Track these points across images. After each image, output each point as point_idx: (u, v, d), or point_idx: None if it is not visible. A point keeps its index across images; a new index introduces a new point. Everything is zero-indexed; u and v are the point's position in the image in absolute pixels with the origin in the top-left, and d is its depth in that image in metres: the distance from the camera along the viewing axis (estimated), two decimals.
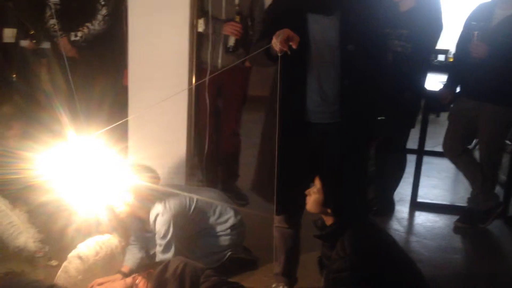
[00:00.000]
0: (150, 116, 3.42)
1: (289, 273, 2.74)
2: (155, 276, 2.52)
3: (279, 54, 2.13)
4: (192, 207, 2.87)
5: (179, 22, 3.33)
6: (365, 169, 2.60)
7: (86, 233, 2.91)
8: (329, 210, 2.24)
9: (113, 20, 4.08)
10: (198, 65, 3.56)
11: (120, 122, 2.54)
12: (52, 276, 2.59)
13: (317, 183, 2.25)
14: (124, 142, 3.51)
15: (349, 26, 2.29)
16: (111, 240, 2.72)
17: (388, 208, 3.92)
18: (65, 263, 2.56)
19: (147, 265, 2.71)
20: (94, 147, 2.32)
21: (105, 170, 2.44)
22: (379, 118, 2.68)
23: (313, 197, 2.26)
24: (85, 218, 2.85)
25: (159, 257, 2.76)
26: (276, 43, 2.10)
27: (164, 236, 2.74)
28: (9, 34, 4.39)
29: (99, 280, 2.76)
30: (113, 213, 2.82)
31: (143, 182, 2.74)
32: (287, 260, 2.70)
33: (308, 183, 2.34)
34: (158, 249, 2.76)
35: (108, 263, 2.80)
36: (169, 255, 2.73)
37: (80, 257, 2.56)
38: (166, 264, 2.54)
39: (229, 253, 2.93)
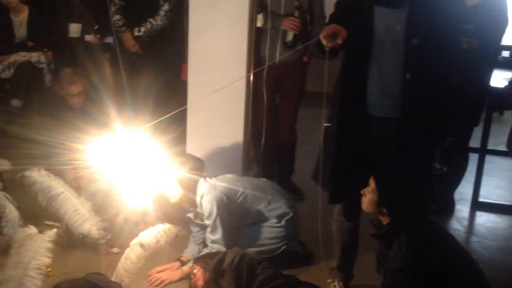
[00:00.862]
0: (207, 110, 3.49)
1: (345, 268, 2.73)
2: (212, 266, 2.56)
3: (326, 49, 2.19)
4: (240, 193, 2.90)
5: (238, 17, 3.36)
6: (426, 168, 2.53)
7: (133, 223, 3.03)
8: (384, 210, 2.22)
9: (175, 15, 4.17)
10: (256, 60, 3.59)
11: (177, 111, 2.61)
12: (114, 263, 2.67)
13: (372, 183, 2.23)
14: (183, 138, 3.60)
15: (415, 19, 2.25)
16: (171, 229, 2.78)
17: (448, 207, 3.83)
18: (127, 250, 2.63)
19: (205, 255, 2.75)
20: (145, 139, 2.39)
21: (154, 161, 2.53)
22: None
23: (368, 197, 2.24)
24: (133, 208, 2.94)
25: (208, 237, 2.82)
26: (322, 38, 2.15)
27: (209, 216, 2.79)
28: (75, 29, 4.58)
29: (158, 268, 2.86)
30: (160, 203, 2.90)
31: (188, 171, 2.83)
32: (343, 255, 2.68)
33: (366, 176, 2.32)
34: (207, 229, 2.81)
35: (168, 252, 2.88)
36: (217, 236, 2.78)
37: (141, 245, 2.63)
38: (223, 254, 2.58)
39: (284, 246, 2.94)
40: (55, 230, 2.47)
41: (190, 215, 3.01)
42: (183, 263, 2.89)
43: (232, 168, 3.43)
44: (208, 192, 2.83)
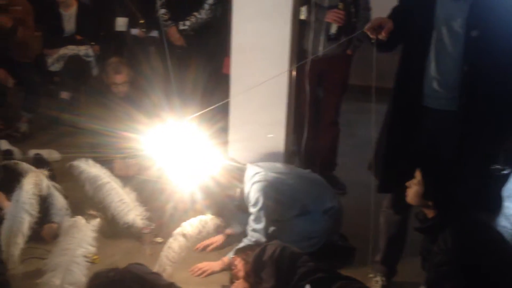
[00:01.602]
0: (250, 104, 3.49)
1: (389, 263, 2.69)
2: (253, 258, 2.58)
3: (372, 42, 2.21)
4: (288, 185, 2.91)
5: (281, 9, 3.34)
6: (483, 165, 2.40)
7: (182, 211, 3.08)
8: (430, 203, 2.18)
9: (219, 9, 4.19)
10: (299, 53, 3.57)
11: (220, 103, 2.64)
12: (158, 252, 2.73)
13: (418, 174, 2.19)
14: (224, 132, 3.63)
15: (477, 11, 2.20)
16: (213, 220, 2.83)
17: (496, 203, 3.72)
18: (170, 240, 2.69)
19: (247, 247, 2.77)
20: (191, 129, 2.43)
21: (201, 150, 2.56)
22: None
23: (413, 189, 2.21)
24: (181, 196, 2.99)
25: (250, 225, 2.83)
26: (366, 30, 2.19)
27: (255, 205, 2.80)
28: (121, 23, 4.67)
29: (202, 265, 2.87)
30: (207, 191, 2.92)
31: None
32: (388, 248, 2.65)
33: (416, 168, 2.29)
34: (251, 217, 2.83)
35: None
36: (260, 226, 2.80)
37: (184, 235, 2.68)
38: (264, 247, 2.59)
39: (325, 239, 2.93)
40: (98, 219, 2.54)
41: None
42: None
43: (274, 161, 3.44)
44: (259, 181, 2.84)
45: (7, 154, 3.92)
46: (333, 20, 3.53)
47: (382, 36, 2.24)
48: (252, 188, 2.84)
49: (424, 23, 2.26)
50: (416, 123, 2.35)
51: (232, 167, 2.87)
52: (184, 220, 2.84)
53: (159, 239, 3.06)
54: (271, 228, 2.93)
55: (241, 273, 2.65)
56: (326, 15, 3.56)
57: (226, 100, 2.84)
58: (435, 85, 2.30)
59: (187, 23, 4.17)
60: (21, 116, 4.79)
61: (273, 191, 2.85)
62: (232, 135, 3.64)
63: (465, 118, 2.26)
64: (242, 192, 2.90)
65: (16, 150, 4.15)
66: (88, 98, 4.49)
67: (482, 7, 2.20)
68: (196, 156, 2.56)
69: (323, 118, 3.88)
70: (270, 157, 3.39)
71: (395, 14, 2.35)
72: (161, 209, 3.16)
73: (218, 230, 2.92)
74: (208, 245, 3.02)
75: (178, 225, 2.82)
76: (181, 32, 4.18)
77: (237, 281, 2.66)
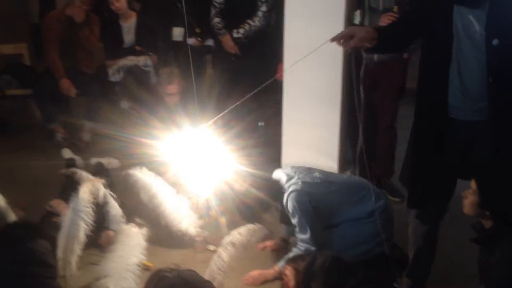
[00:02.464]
0: (303, 108, 3.47)
1: (415, 276, 2.59)
2: (303, 268, 2.54)
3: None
4: (326, 191, 2.85)
5: (334, 15, 3.29)
6: None
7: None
8: (487, 213, 2.08)
9: (272, 16, 4.19)
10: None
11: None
12: (209, 260, 2.74)
13: (473, 184, 2.12)
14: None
15: (495, 19, 2.09)
16: (262, 230, 2.81)
17: None
18: (219, 249, 2.70)
19: (297, 257, 2.74)
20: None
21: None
22: None
23: (469, 199, 2.13)
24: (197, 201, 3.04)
25: (298, 236, 2.80)
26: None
27: (293, 215, 2.77)
28: (178, 32, 4.75)
29: (255, 273, 2.87)
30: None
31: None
32: (415, 261, 2.56)
33: (451, 180, 2.24)
34: (296, 229, 2.80)
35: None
36: (306, 235, 2.75)
37: (233, 244, 2.68)
38: (314, 256, 2.55)
39: (377, 247, 2.83)
40: (145, 228, 2.59)
41: None
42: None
43: (328, 169, 3.39)
44: (294, 191, 2.81)
45: (70, 162, 4.09)
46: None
47: (349, 45, 2.24)
48: (289, 198, 2.80)
49: (443, 32, 2.17)
50: (443, 135, 2.27)
51: (248, 173, 2.83)
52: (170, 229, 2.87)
53: (211, 247, 3.08)
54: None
55: (291, 283, 2.62)
56: (380, 19, 3.47)
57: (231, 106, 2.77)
58: (460, 96, 2.21)
59: (241, 31, 4.20)
60: (84, 125, 4.97)
61: (310, 200, 2.80)
62: (285, 143, 3.64)
63: (498, 127, 2.15)
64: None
65: (78, 159, 4.32)
66: (146, 108, 4.59)
67: (499, 15, 2.08)
68: (211, 162, 2.58)
69: (379, 123, 3.79)
70: (323, 165, 3.35)
71: (408, 16, 2.31)
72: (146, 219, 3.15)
73: (266, 238, 2.91)
74: (267, 246, 3.03)
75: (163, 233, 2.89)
76: (235, 40, 4.21)
77: None
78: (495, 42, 2.08)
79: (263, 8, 4.17)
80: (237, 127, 4.03)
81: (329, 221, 2.92)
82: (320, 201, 2.83)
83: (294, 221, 2.80)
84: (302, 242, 2.81)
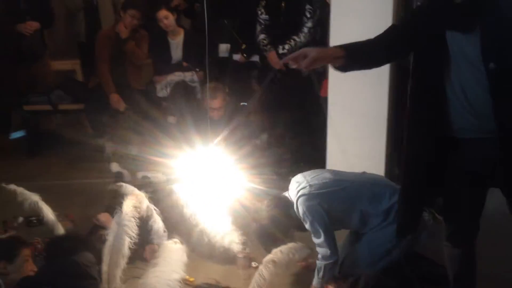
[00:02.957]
0: (348, 124, 3.44)
1: None
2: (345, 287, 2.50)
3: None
4: (336, 193, 2.76)
5: (381, 31, 3.26)
6: None
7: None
8: None
9: (318, 31, 4.19)
10: (400, 70, 3.45)
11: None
12: (252, 277, 2.73)
13: None
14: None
15: (489, 43, 2.00)
16: (304, 248, 2.78)
17: None
18: (260, 267, 2.68)
19: (338, 276, 2.69)
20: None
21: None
22: None
23: None
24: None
25: (314, 242, 2.73)
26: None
27: (305, 220, 2.71)
28: (224, 49, 4.81)
29: None
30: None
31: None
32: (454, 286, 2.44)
33: (478, 195, 2.19)
34: (312, 235, 2.75)
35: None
36: (321, 239, 2.68)
37: (274, 262, 2.66)
38: (357, 277, 2.50)
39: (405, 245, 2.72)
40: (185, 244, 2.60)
41: None
42: None
43: None
44: (302, 195, 2.74)
45: (118, 176, 4.18)
46: None
47: (301, 67, 2.17)
48: (298, 204, 2.75)
49: (438, 55, 2.09)
50: (449, 154, 2.20)
51: (259, 191, 2.79)
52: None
53: (254, 264, 3.06)
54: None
55: None
56: None
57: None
58: (467, 116, 2.11)
59: (286, 47, 4.21)
60: (132, 139, 5.08)
61: (320, 202, 2.72)
62: (330, 157, 3.62)
63: (507, 146, 2.07)
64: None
65: (125, 172, 4.42)
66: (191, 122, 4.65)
67: (493, 39, 1.99)
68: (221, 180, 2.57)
69: None
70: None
71: (387, 33, 2.23)
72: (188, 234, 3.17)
73: (308, 257, 2.87)
74: (310, 264, 2.97)
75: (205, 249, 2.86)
76: (280, 56, 4.22)
77: None
78: (492, 66, 2.00)
79: (309, 24, 4.17)
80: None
81: (344, 223, 2.83)
82: (332, 201, 2.73)
83: (307, 226, 2.73)
84: (318, 247, 2.73)
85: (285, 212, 2.81)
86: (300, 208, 2.75)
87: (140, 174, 4.28)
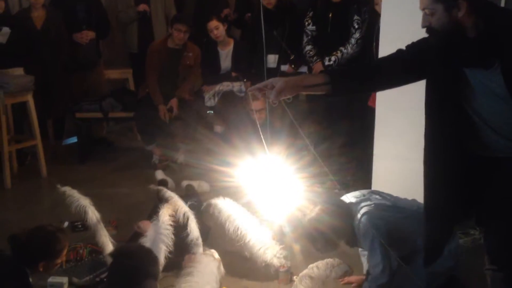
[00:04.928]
0: (395, 136, 3.35)
1: None
2: None
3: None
4: (398, 217, 2.70)
5: None
6: None
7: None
8: None
9: (365, 42, 4.10)
10: None
11: None
12: None
13: None
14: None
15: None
16: (341, 265, 2.70)
17: None
18: (296, 281, 2.62)
19: None
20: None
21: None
22: None
23: None
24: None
25: (369, 263, 2.67)
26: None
27: (365, 237, 2.62)
28: (272, 60, 4.79)
29: None
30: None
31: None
32: None
33: None
34: (367, 254, 2.67)
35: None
36: (377, 259, 2.61)
37: (311, 278, 2.59)
38: None
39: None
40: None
41: None
42: None
43: (417, 195, 3.22)
44: (366, 212, 2.66)
45: (162, 183, 4.20)
46: None
47: (269, 99, 2.09)
48: (362, 220, 2.65)
49: (457, 85, 1.98)
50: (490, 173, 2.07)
51: (321, 200, 2.71)
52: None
53: (295, 278, 2.99)
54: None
55: None
56: None
57: None
58: (493, 136, 2.01)
59: (333, 58, 4.15)
60: (179, 148, 5.13)
61: (385, 223, 2.65)
62: (375, 169, 3.53)
63: None
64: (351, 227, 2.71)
65: (170, 180, 4.46)
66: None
67: None
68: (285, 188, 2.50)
69: None
70: (413, 192, 3.18)
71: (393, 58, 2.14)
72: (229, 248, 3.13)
73: (346, 274, 2.78)
74: (351, 281, 2.91)
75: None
76: (327, 67, 4.15)
77: None
78: None
79: (357, 34, 4.09)
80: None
81: (399, 251, 2.73)
82: (393, 226, 2.67)
83: (366, 244, 2.65)
84: (371, 267, 2.66)
85: (345, 221, 2.73)
86: (363, 225, 2.67)
87: (184, 183, 4.29)
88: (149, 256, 2.46)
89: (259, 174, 2.48)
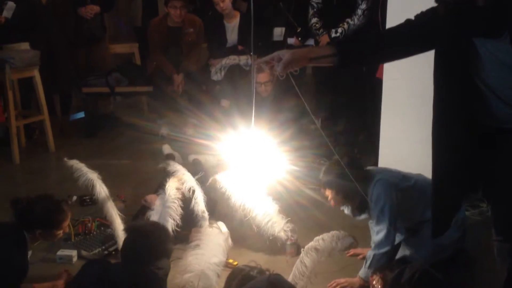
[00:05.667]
0: (402, 109, 3.32)
1: None
2: (390, 279, 2.41)
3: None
4: (411, 182, 2.75)
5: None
6: None
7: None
8: None
9: (373, 13, 4.04)
10: None
11: None
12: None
13: None
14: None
15: None
16: (347, 238, 2.71)
17: None
18: (302, 254, 2.63)
19: (384, 267, 2.60)
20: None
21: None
22: None
23: None
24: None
25: (373, 229, 2.70)
26: None
27: (376, 203, 2.66)
28: (279, 32, 4.75)
29: (341, 280, 2.77)
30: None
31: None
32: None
33: None
34: (373, 221, 2.70)
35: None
36: (383, 225, 2.63)
37: (316, 250, 2.61)
38: (403, 269, 2.39)
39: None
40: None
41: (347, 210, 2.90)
42: None
43: (425, 170, 3.22)
44: (381, 178, 2.71)
45: (169, 158, 4.22)
46: None
47: (275, 71, 2.06)
48: (376, 186, 2.69)
49: (466, 55, 1.92)
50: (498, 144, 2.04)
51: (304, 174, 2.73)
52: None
53: (303, 251, 3.01)
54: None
55: None
56: None
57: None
58: (503, 108, 1.95)
59: (339, 30, 4.10)
60: (188, 121, 5.13)
61: (396, 192, 2.69)
62: (382, 142, 3.52)
63: None
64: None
65: (177, 155, 4.46)
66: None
67: None
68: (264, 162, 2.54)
69: None
70: (420, 168, 3.18)
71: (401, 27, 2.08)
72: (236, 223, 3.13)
73: (352, 247, 2.79)
74: (357, 253, 2.96)
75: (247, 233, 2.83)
76: (333, 40, 4.11)
77: None
78: None
79: (363, 5, 4.03)
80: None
81: (407, 222, 2.80)
82: (403, 194, 2.71)
83: (376, 210, 2.67)
84: (375, 234, 2.69)
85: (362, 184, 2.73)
86: (376, 191, 2.70)
87: (191, 157, 4.30)
88: (165, 234, 2.47)
89: (244, 147, 2.48)
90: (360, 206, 2.79)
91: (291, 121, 3.86)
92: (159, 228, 2.51)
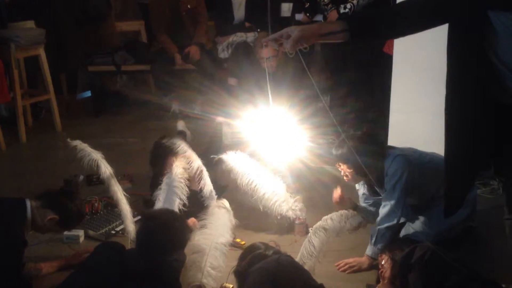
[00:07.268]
0: (412, 86, 3.26)
1: None
2: (400, 259, 2.38)
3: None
4: (427, 160, 2.73)
5: None
6: None
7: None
8: None
9: None
10: None
11: None
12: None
13: None
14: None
15: None
16: (355, 216, 2.68)
17: None
18: (310, 234, 2.60)
19: (394, 246, 2.56)
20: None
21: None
22: None
23: None
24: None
25: (382, 202, 2.67)
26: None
27: (391, 177, 2.63)
28: (286, 8, 4.67)
29: (349, 260, 2.74)
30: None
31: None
32: None
33: None
34: (384, 195, 2.68)
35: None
36: (393, 201, 2.61)
37: (325, 229, 2.57)
38: (413, 248, 2.37)
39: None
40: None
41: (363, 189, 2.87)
42: None
43: (435, 148, 3.17)
44: (399, 154, 2.68)
45: (180, 135, 4.17)
46: None
47: (284, 48, 1.98)
48: (395, 161, 2.66)
49: (479, 29, 1.84)
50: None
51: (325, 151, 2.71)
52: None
53: (311, 230, 2.97)
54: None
55: (387, 274, 2.47)
56: None
57: None
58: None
59: (348, 6, 4.01)
60: (196, 99, 5.08)
61: (413, 169, 2.66)
62: (392, 119, 3.47)
63: None
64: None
65: (188, 133, 4.41)
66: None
67: None
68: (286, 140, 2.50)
69: None
70: (430, 145, 3.13)
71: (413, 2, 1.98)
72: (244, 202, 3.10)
73: (361, 226, 2.75)
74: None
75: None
76: (342, 15, 4.02)
77: (383, 282, 2.49)
78: None
79: None
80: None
81: (418, 199, 2.77)
82: (418, 170, 2.68)
83: (388, 185, 2.65)
84: (382, 207, 2.67)
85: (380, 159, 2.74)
86: (394, 166, 2.67)
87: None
88: (183, 226, 2.42)
89: (264, 125, 2.43)
90: (378, 183, 2.75)
91: (311, 98, 3.80)
92: (177, 218, 2.43)
